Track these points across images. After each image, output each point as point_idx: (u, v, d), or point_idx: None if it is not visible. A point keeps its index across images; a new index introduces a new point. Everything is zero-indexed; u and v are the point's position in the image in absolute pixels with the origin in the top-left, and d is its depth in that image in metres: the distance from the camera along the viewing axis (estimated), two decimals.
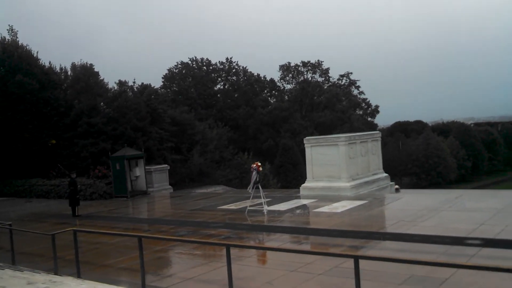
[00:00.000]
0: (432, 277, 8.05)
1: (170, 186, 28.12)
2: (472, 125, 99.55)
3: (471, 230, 11.39)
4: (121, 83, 38.02)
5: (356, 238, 11.79)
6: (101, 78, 36.24)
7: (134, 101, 33.93)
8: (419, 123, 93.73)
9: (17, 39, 34.45)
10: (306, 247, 11.96)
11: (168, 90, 65.46)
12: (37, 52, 34.90)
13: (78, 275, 9.66)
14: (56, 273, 9.93)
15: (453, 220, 13.00)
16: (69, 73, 36.20)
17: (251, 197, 17.37)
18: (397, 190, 22.63)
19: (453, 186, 66.51)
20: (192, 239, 12.20)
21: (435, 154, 72.97)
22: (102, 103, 34.25)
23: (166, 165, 29.23)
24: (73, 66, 35.90)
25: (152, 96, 36.85)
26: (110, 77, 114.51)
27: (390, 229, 12.89)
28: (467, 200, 16.18)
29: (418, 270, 8.33)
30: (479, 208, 14.41)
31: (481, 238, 10.61)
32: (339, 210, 15.91)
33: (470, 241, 10.41)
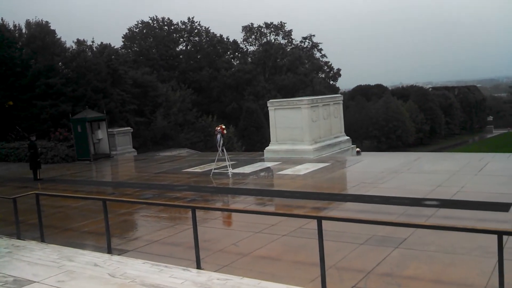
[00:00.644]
0: (392, 237, 8.39)
1: (133, 149, 27.85)
2: (430, 89, 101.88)
3: (429, 192, 11.86)
4: (80, 42, 36.73)
5: (318, 200, 12.10)
6: (58, 36, 34.98)
7: (93, 62, 32.98)
8: (379, 87, 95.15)
9: None
10: (271, 208, 12.19)
11: (129, 50, 63.68)
12: None
13: (42, 239, 9.59)
14: (18, 238, 9.82)
15: (411, 182, 13.48)
16: (23, 31, 34.71)
17: (215, 160, 17.44)
18: (358, 153, 23.22)
19: (412, 149, 68.54)
20: (158, 201, 12.22)
21: (394, 118, 74.65)
22: (60, 63, 33.15)
23: (129, 128, 28.85)
24: (28, 23, 34.44)
25: (113, 57, 35.86)
26: (67, 36, 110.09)
27: (351, 190, 13.28)
28: (425, 163, 16.75)
29: (379, 230, 8.67)
30: (436, 170, 14.96)
31: (438, 199, 11.07)
32: (302, 173, 16.21)
33: (427, 202, 10.85)
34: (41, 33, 33.14)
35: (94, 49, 36.67)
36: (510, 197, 10.76)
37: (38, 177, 18.98)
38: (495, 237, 5.43)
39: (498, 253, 5.45)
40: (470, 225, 7.47)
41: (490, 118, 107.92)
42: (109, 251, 8.59)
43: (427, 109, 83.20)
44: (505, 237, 5.78)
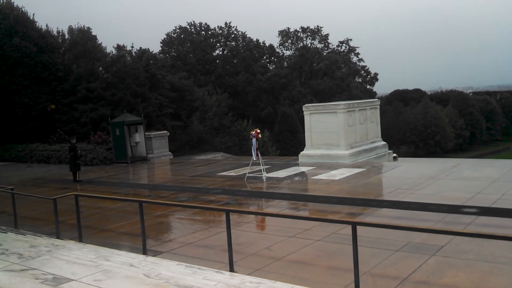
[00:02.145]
0: (429, 244, 8.21)
1: (170, 153, 28.23)
2: (470, 94, 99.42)
3: (468, 199, 11.54)
4: (119, 48, 37.66)
5: (353, 205, 11.95)
6: (99, 42, 35.94)
7: (132, 66, 33.69)
8: (417, 91, 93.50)
9: (12, 1, 33.92)
10: (305, 213, 12.13)
11: (167, 55, 64.79)
12: (33, 15, 34.47)
13: (80, 239, 9.83)
14: (58, 237, 10.10)
15: (450, 188, 13.15)
16: (66, 36, 35.83)
17: (250, 164, 17.49)
18: (395, 158, 22.84)
19: (451, 155, 66.90)
20: (192, 204, 12.34)
21: (433, 123, 73.12)
22: (100, 68, 34.01)
23: (166, 132, 29.26)
24: (71, 29, 35.49)
25: (151, 61, 36.57)
26: (107, 41, 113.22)
27: (387, 196, 13.06)
28: (464, 169, 16.32)
29: (415, 237, 8.50)
30: (476, 177, 14.56)
31: (477, 206, 10.76)
32: (337, 178, 16.06)
33: (466, 210, 10.57)
34: (83, 38, 34.11)
35: (133, 54, 37.50)
36: None
37: (77, 179, 19.48)
38: None
39: None
40: (511, 234, 7.22)
41: None
42: (145, 252, 8.73)
43: (467, 115, 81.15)
44: None
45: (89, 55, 33.34)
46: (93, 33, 35.49)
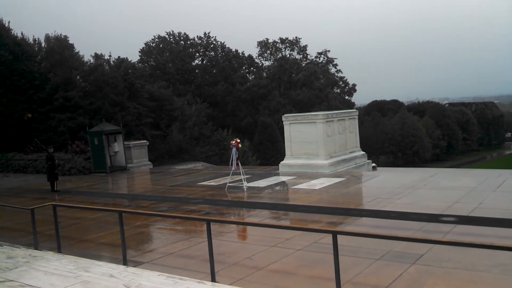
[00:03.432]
0: (409, 253, 8.30)
1: (149, 162, 28.03)
2: (447, 105, 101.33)
3: (446, 208, 11.71)
4: (97, 56, 37.34)
5: (334, 215, 12.02)
6: (76, 50, 35.60)
7: (111, 75, 33.41)
8: (395, 102, 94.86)
9: None
10: (286, 223, 12.14)
11: (146, 64, 64.50)
12: (9, 22, 33.99)
13: (59, 250, 9.66)
14: (36, 248, 9.92)
15: (428, 197, 13.33)
16: (43, 44, 35.42)
17: (230, 174, 17.47)
18: (374, 168, 23.08)
19: (428, 165, 67.92)
20: (173, 214, 12.25)
21: (411, 133, 74.20)
22: (78, 77, 33.65)
23: (145, 141, 29.08)
24: (47, 37, 35.10)
25: (130, 71, 36.32)
26: (85, 50, 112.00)
27: (367, 206, 13.17)
28: (442, 179, 16.57)
29: (395, 246, 8.59)
30: (453, 186, 14.79)
31: (455, 215, 10.92)
32: (317, 187, 16.14)
33: (445, 218, 10.72)
34: (59, 47, 33.75)
35: (111, 63, 37.23)
36: None
37: (55, 189, 19.18)
38: None
39: None
40: (489, 242, 7.34)
41: (509, 134, 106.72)
42: (125, 262, 8.63)
43: (444, 125, 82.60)
44: None
45: (66, 63, 32.98)
46: (70, 42, 35.17)
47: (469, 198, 12.73)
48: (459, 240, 7.95)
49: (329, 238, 6.68)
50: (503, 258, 7.30)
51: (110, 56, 38.19)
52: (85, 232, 12.00)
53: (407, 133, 74.14)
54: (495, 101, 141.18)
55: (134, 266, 8.58)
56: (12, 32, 33.91)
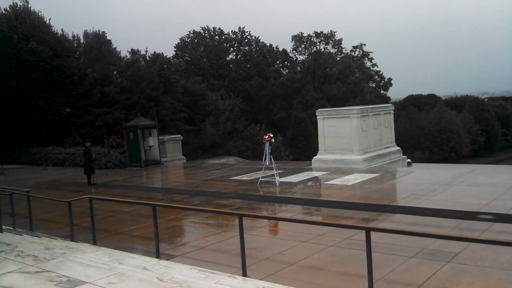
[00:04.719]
0: (443, 251, 8.12)
1: (183, 156, 28.34)
2: (486, 99, 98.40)
3: (483, 205, 11.40)
4: (134, 52, 37.98)
5: (367, 211, 11.87)
6: (114, 46, 36.30)
7: (146, 71, 33.94)
8: (432, 96, 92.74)
9: (29, 5, 34.44)
10: (318, 218, 12.08)
11: (181, 59, 65.14)
12: (49, 19, 34.95)
13: (94, 242, 9.89)
14: (72, 240, 10.18)
15: (465, 194, 13.01)
16: (81, 41, 36.25)
17: (263, 169, 17.48)
18: (409, 164, 22.67)
19: (466, 161, 66.19)
20: (205, 208, 12.36)
21: (448, 129, 72.39)
22: (115, 72, 34.32)
23: (179, 136, 29.39)
24: (86, 34, 35.89)
25: (165, 66, 36.79)
26: (122, 46, 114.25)
27: (401, 202, 12.94)
28: (480, 175, 16.13)
29: (429, 243, 8.42)
30: (491, 183, 14.38)
31: (493, 213, 10.62)
32: (350, 183, 15.97)
33: (482, 216, 10.44)
34: (97, 43, 34.46)
35: (147, 59, 37.79)
36: None
37: (92, 182, 19.63)
38: None
39: None
40: None
41: None
42: (158, 255, 8.76)
43: (483, 120, 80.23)
44: None
45: (103, 59, 33.67)
46: (108, 38, 35.87)
47: (508, 196, 12.35)
48: (496, 238, 7.73)
49: (361, 234, 6.59)
50: None
51: (146, 51, 38.87)
52: (120, 225, 12.25)
53: (444, 128, 72.38)
54: None
55: (166, 259, 8.70)
56: (53, 29, 34.90)
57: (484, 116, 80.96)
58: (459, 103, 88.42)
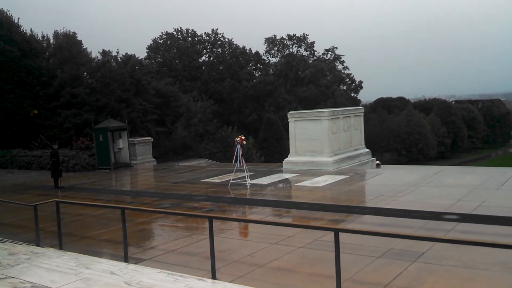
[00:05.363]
0: (411, 251, 8.27)
1: (153, 159, 28.07)
2: (453, 102, 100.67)
3: (449, 206, 11.66)
4: (105, 53, 37.42)
5: (336, 212, 11.99)
6: (84, 47, 35.75)
7: (118, 72, 33.51)
8: (401, 99, 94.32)
9: None
10: (288, 220, 12.14)
11: (153, 61, 64.57)
12: (18, 19, 34.20)
13: (60, 247, 9.69)
14: (37, 245, 9.96)
15: (432, 195, 13.27)
16: (51, 41, 35.55)
17: (234, 171, 17.47)
18: (378, 165, 23.02)
19: (433, 162, 67.55)
20: (175, 211, 12.27)
21: (416, 131, 73.79)
22: (85, 73, 33.78)
23: (150, 138, 29.09)
24: (56, 34, 35.25)
25: (136, 67, 36.41)
26: (93, 47, 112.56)
27: (370, 203, 13.13)
28: (446, 176, 16.49)
29: (396, 244, 8.56)
30: (457, 184, 14.72)
31: (458, 213, 10.88)
32: (320, 185, 16.11)
33: (447, 216, 10.67)
34: (68, 43, 33.88)
35: (119, 60, 37.30)
36: None
37: (59, 185, 19.25)
38: None
39: None
40: (490, 240, 7.30)
41: None
42: (126, 259, 8.65)
43: (450, 123, 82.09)
44: None
45: (74, 60, 33.11)
46: (78, 38, 35.30)
47: (473, 196, 12.67)
48: (460, 238, 7.92)
49: (331, 235, 6.65)
50: (504, 256, 7.25)
51: (117, 52, 38.31)
52: (87, 229, 12.04)
53: (413, 131, 73.75)
54: (502, 99, 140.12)
55: (135, 263, 8.60)
56: (21, 28, 34.13)
57: (451, 118, 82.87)
58: (427, 106, 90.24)
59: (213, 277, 7.55)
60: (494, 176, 15.76)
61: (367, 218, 11.35)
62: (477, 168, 27.61)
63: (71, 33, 34.94)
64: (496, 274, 7.14)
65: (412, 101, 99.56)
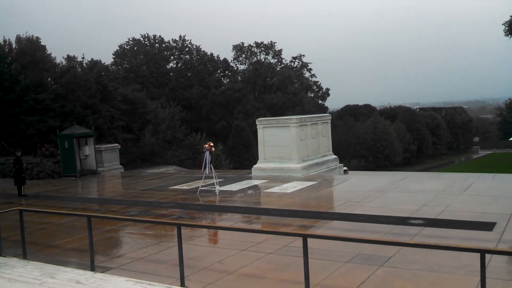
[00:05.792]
0: (377, 256, 8.40)
1: (121, 166, 27.66)
2: (417, 110, 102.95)
3: (414, 211, 11.91)
4: (70, 58, 36.73)
5: (305, 218, 12.08)
6: (48, 52, 34.98)
7: (83, 78, 32.96)
8: (367, 107, 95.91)
9: None
10: (257, 226, 12.15)
11: (119, 67, 63.79)
12: None
13: (24, 256, 9.44)
14: (0, 255, 9.66)
15: (397, 201, 13.54)
16: (13, 46, 34.64)
17: (203, 178, 17.40)
18: (345, 171, 23.30)
19: (399, 168, 68.80)
20: (143, 218, 12.12)
21: (382, 138, 75.09)
22: (49, 79, 33.07)
23: (117, 145, 28.67)
24: (18, 38, 34.39)
25: (103, 73, 35.90)
26: (57, 52, 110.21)
27: (338, 209, 13.29)
28: (411, 182, 16.85)
29: (364, 248, 8.68)
30: (422, 189, 15.05)
31: (423, 218, 11.12)
32: (289, 191, 16.20)
33: (413, 221, 10.89)
34: (31, 48, 33.10)
35: (84, 65, 36.70)
36: (494, 216, 10.86)
37: (22, 193, 18.75)
38: (478, 255, 5.47)
39: (480, 271, 5.49)
40: (454, 244, 7.50)
41: (476, 139, 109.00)
42: (93, 268, 8.49)
43: (415, 130, 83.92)
44: (488, 256, 5.83)
45: (37, 65, 32.37)
46: (42, 43, 34.53)
47: (437, 201, 12.97)
48: (426, 242, 8.09)
49: (299, 241, 6.71)
50: (468, 259, 7.44)
51: (83, 58, 37.68)
52: (52, 238, 11.76)
53: (379, 137, 75.06)
54: (464, 106, 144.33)
55: (102, 272, 8.45)
56: None
57: (415, 126, 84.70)
58: (393, 113, 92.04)
59: (182, 284, 7.49)
60: (458, 181, 16.18)
61: (335, 223, 11.48)
62: (442, 174, 28.30)
63: (34, 37, 34.18)
64: (460, 277, 7.33)
65: (378, 109, 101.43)
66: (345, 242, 8.04)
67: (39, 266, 8.77)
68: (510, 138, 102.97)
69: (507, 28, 48.29)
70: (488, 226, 10.03)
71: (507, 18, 47.48)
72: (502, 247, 8.63)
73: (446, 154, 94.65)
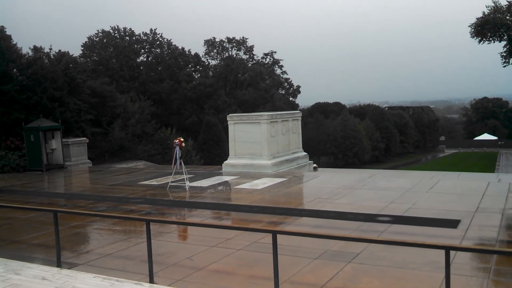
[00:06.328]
0: (346, 252, 8.52)
1: (89, 160, 27.18)
2: (386, 108, 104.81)
3: (382, 208, 12.12)
4: (36, 49, 35.74)
5: (275, 214, 12.15)
6: (14, 42, 33.90)
7: (50, 69, 32.14)
8: (337, 104, 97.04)
9: None
10: (227, 222, 12.14)
11: (88, 59, 62.54)
12: None
13: None
14: None
15: (366, 198, 13.74)
16: None
17: (172, 173, 17.28)
18: (315, 168, 23.53)
19: (367, 166, 69.92)
20: (111, 214, 11.96)
21: (351, 135, 76.13)
22: (15, 70, 32.13)
23: (85, 138, 28.17)
24: None
25: (71, 65, 35.06)
26: (24, 43, 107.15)
27: (307, 206, 13.41)
28: (379, 180, 17.12)
29: (332, 245, 8.79)
30: (390, 187, 15.32)
31: (390, 215, 11.32)
32: (259, 187, 16.25)
33: (381, 218, 11.08)
34: None
35: (52, 57, 35.79)
36: (459, 214, 11.14)
37: None
38: (443, 252, 5.61)
39: (445, 268, 5.63)
40: (420, 241, 7.66)
41: (442, 138, 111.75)
42: (59, 264, 8.33)
43: (383, 128, 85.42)
44: (452, 253, 5.98)
45: (2, 55, 31.42)
46: (7, 33, 33.50)
47: (404, 199, 13.23)
48: (392, 239, 8.26)
49: (269, 237, 6.75)
50: (433, 256, 7.61)
51: (50, 49, 36.65)
52: (17, 233, 11.48)
53: (348, 135, 76.05)
54: (431, 106, 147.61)
55: (68, 268, 8.30)
56: None
57: (384, 124, 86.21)
58: (362, 111, 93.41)
59: (151, 281, 7.44)
60: (424, 179, 16.54)
61: (305, 220, 11.57)
62: (409, 171, 28.88)
63: None
64: (426, 273, 7.50)
65: (348, 107, 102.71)
66: (314, 238, 8.14)
67: (3, 262, 8.55)
68: (475, 137, 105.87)
69: (473, 30, 49.59)
70: (453, 224, 10.28)
71: (473, 20, 48.61)
72: (466, 244, 8.88)
73: (413, 153, 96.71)
